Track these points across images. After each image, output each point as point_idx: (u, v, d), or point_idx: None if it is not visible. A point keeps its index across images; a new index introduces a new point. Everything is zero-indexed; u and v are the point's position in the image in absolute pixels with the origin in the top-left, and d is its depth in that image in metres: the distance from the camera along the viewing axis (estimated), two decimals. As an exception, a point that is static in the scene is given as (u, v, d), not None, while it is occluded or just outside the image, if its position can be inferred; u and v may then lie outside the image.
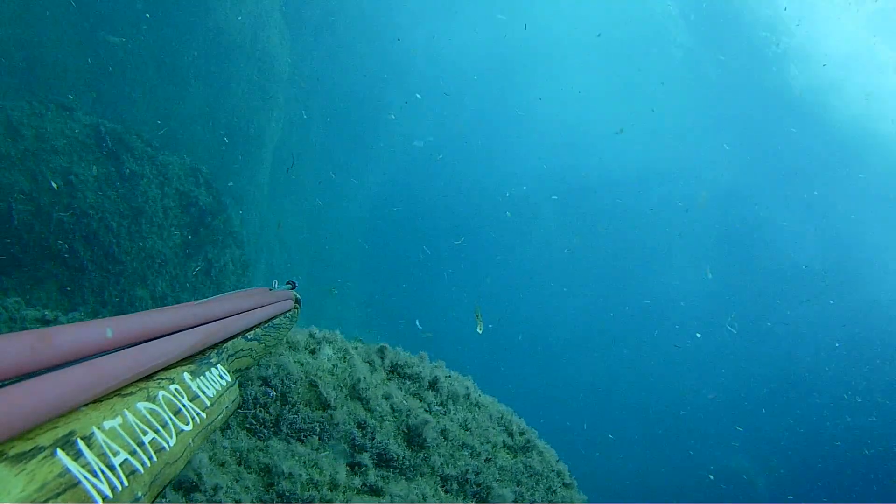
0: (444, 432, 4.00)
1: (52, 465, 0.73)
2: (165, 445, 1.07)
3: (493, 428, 4.42)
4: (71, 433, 0.81)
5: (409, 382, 4.39)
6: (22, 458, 0.70)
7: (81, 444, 0.82)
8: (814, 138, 31.69)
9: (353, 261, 32.97)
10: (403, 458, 3.70)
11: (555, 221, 38.51)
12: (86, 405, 0.89)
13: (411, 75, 32.48)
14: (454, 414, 4.30)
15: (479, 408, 4.59)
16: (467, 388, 4.69)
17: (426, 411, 4.15)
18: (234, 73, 17.08)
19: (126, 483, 0.88)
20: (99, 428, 0.88)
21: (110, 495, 0.82)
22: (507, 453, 4.31)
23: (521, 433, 4.57)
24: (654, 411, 32.27)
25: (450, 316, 32.39)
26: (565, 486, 4.34)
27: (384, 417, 3.90)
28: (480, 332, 9.84)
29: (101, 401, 0.94)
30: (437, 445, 3.90)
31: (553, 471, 4.34)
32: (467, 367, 5.35)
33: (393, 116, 31.22)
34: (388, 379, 4.35)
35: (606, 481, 25.73)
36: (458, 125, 36.24)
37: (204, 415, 1.34)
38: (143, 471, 0.95)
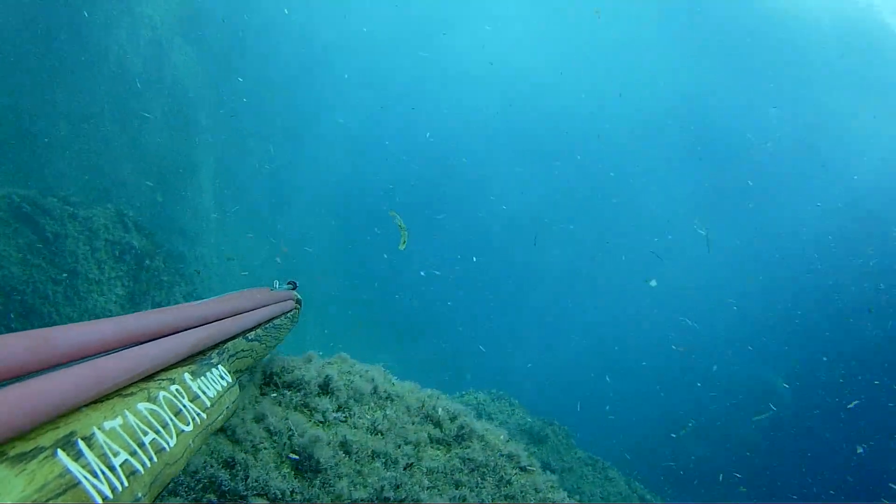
0: (344, 445, 3.12)
1: (53, 466, 0.73)
2: (166, 446, 1.07)
3: (414, 422, 3.57)
4: (71, 433, 0.81)
5: (290, 392, 3.42)
6: (22, 458, 0.69)
7: (82, 445, 0.82)
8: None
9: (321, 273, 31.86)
10: (293, 492, 2.80)
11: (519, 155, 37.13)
12: (86, 405, 0.88)
13: (335, 69, 32.39)
14: (358, 418, 3.41)
15: (393, 401, 3.70)
16: (374, 380, 3.75)
17: (319, 423, 3.27)
18: (147, 108, 16.62)
19: (126, 484, 0.88)
20: (99, 428, 0.88)
21: (110, 496, 0.82)
22: (437, 449, 3.47)
23: (452, 419, 3.69)
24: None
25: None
26: (523, 470, 3.50)
27: (258, 446, 2.99)
28: (403, 247, 8.26)
29: (102, 401, 0.94)
30: (338, 464, 3.00)
31: (502, 456, 3.48)
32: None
33: (340, 121, 31.15)
34: (262, 394, 3.39)
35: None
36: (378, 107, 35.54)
37: (204, 415, 1.34)
38: (143, 471, 0.95)
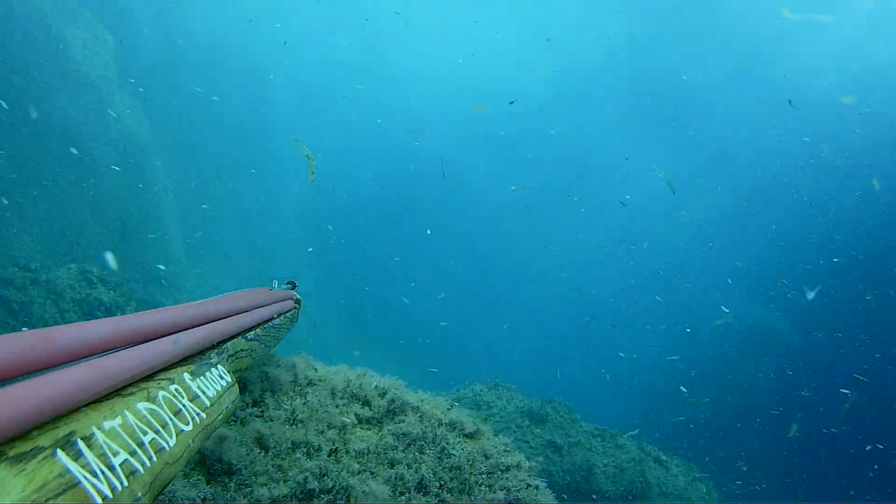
0: (259, 440, 2.88)
1: (52, 466, 0.73)
2: (165, 446, 1.07)
3: (339, 405, 3.27)
4: (71, 433, 0.81)
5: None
6: (22, 458, 0.69)
7: (81, 445, 0.81)
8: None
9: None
10: (205, 499, 2.54)
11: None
12: (86, 405, 0.89)
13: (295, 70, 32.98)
14: (274, 409, 3.15)
15: (314, 386, 3.43)
16: (293, 366, 3.50)
17: (230, 423, 3.02)
18: (100, 164, 16.42)
19: (126, 483, 0.88)
20: (99, 428, 0.88)
21: (110, 495, 0.82)
22: (367, 429, 3.20)
23: (382, 394, 3.44)
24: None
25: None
26: (468, 436, 3.23)
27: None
28: (312, 178, 7.35)
29: (102, 401, 0.94)
30: (253, 462, 2.74)
31: (442, 425, 3.20)
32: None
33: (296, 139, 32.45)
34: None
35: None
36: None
37: (204, 415, 1.34)
38: (143, 471, 0.95)
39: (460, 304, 33.96)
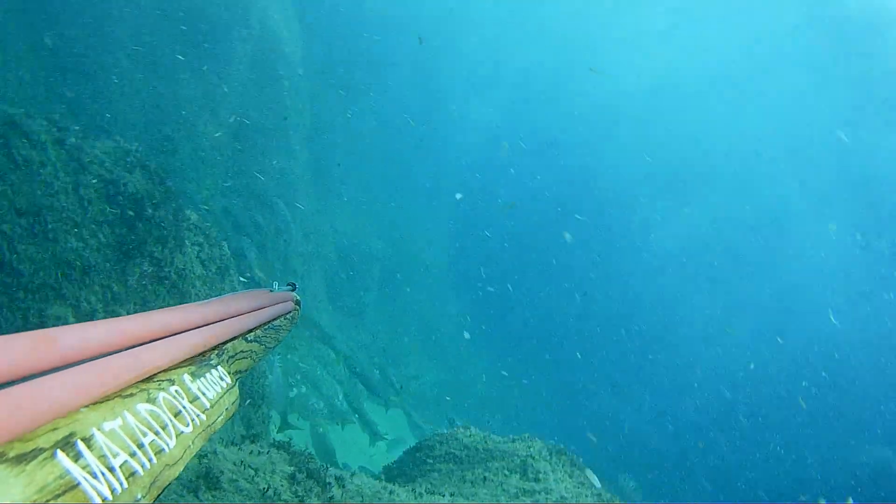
0: None
1: (52, 467, 0.73)
2: (165, 447, 1.07)
3: None
4: (71, 434, 0.81)
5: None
6: (21, 459, 0.70)
7: (81, 446, 0.82)
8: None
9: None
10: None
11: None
12: (86, 406, 0.89)
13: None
14: None
15: None
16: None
17: None
18: (230, 53, 15.27)
19: (126, 485, 0.88)
20: (99, 429, 0.88)
21: (110, 497, 0.82)
22: None
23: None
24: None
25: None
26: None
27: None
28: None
29: (101, 402, 0.94)
30: None
31: None
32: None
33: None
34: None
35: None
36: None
37: (204, 416, 1.34)
38: (142, 472, 0.95)
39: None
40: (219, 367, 1.61)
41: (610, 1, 34.87)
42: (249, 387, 9.89)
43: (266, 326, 2.42)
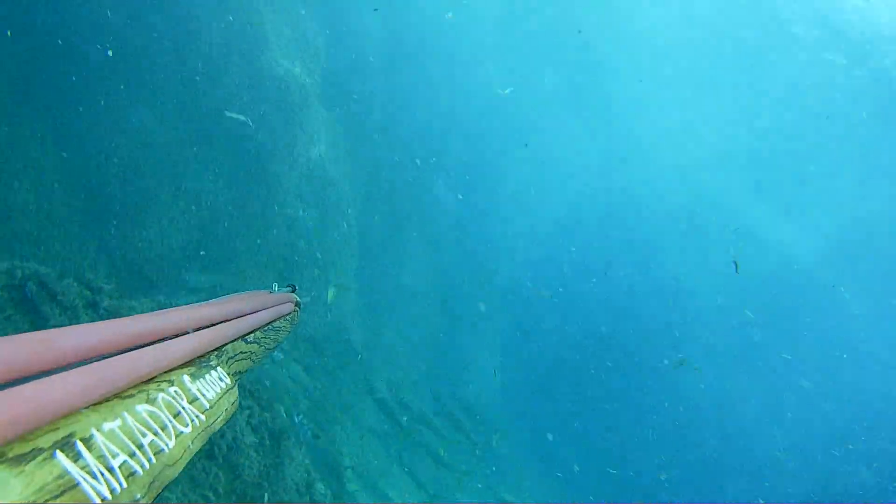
0: None
1: (52, 467, 0.74)
2: (164, 447, 1.07)
3: None
4: (70, 435, 0.81)
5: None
6: (21, 459, 0.70)
7: (81, 446, 0.82)
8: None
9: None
10: None
11: None
12: (85, 407, 0.89)
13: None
14: None
15: None
16: None
17: None
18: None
19: (125, 485, 0.88)
20: (98, 430, 0.88)
21: (109, 497, 0.83)
22: None
23: None
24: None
25: None
26: None
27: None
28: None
29: (101, 402, 0.94)
30: None
31: None
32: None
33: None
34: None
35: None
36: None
37: (203, 417, 1.34)
38: (142, 473, 0.95)
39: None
40: (218, 368, 1.61)
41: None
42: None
43: (266, 328, 2.42)
